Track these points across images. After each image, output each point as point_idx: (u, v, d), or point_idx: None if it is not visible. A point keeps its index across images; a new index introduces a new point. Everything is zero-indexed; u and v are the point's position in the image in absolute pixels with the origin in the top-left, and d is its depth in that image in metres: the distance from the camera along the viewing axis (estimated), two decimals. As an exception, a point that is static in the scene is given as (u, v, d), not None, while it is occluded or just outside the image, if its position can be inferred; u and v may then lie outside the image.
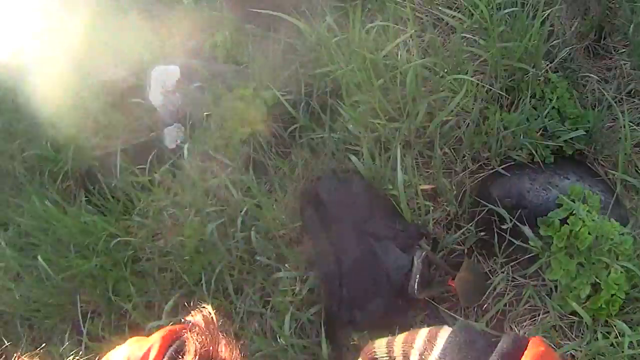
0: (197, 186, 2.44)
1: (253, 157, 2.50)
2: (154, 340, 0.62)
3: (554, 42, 2.83)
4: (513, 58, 2.36)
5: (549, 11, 2.58)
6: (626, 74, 2.87)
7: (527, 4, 2.51)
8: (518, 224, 2.13)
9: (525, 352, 0.67)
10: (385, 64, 2.26)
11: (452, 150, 2.32)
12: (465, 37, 2.39)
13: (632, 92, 2.79)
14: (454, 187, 2.29)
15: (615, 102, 2.54)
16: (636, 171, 2.35)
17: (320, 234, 2.13)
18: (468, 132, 2.26)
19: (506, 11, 2.43)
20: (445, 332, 0.82)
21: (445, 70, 2.28)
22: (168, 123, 2.77)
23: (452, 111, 2.21)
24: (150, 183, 2.53)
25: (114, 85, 3.18)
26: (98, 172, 2.65)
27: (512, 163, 2.32)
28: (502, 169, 2.30)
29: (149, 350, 0.60)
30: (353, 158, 2.25)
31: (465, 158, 2.32)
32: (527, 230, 2.11)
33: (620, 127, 2.32)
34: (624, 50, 2.99)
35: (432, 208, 2.26)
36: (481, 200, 2.22)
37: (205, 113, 2.60)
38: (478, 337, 0.76)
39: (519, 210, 2.16)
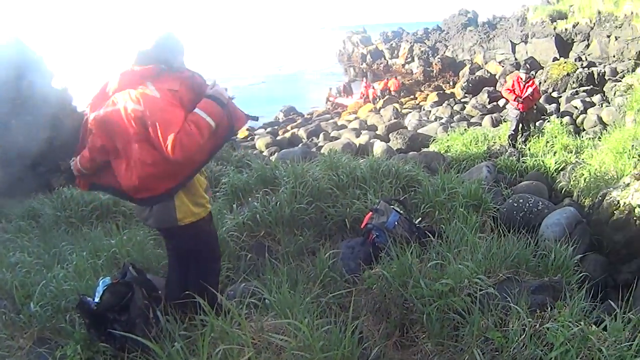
0: None
1: None
2: None
3: (366, 344, 3.61)
4: (334, 364, 3.04)
5: (357, 322, 3.38)
6: (429, 351, 3.66)
7: (338, 321, 3.29)
8: None
9: None
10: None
11: None
12: (293, 353, 3.05)
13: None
14: None
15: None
16: None
17: None
18: None
19: (323, 329, 3.21)
20: None
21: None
22: None
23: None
24: None
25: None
26: None
27: None
28: None
29: None
30: None
31: None
32: None
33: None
34: (424, 335, 3.81)
35: None
36: None
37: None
38: None
39: None
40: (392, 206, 5.21)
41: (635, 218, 6.02)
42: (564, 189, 8.82)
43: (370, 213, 5.21)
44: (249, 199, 6.72)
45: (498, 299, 3.74)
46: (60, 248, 6.50)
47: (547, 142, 11.54)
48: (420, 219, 5.72)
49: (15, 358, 3.88)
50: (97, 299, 3.82)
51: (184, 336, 3.43)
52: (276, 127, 27.89)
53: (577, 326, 3.27)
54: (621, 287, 5.55)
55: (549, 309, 3.67)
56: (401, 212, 5.20)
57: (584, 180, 8.17)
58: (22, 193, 11.67)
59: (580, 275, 4.60)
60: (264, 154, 18.78)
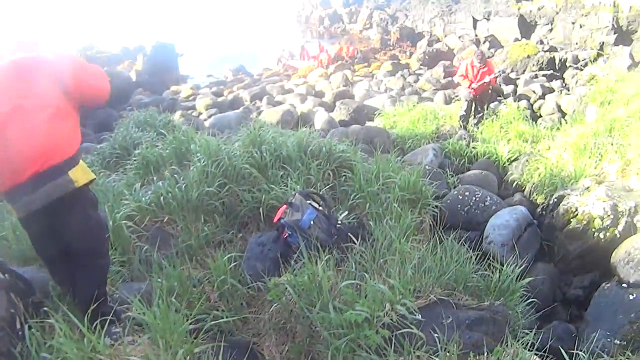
0: None
1: None
2: None
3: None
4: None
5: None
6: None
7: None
8: None
9: None
10: None
11: None
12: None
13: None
14: None
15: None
16: None
17: None
18: None
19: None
20: None
21: None
22: None
23: None
24: None
25: None
26: None
27: None
28: None
29: None
30: None
31: None
32: None
33: None
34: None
35: None
36: None
37: None
38: None
39: None
40: (308, 201, 4.43)
41: (593, 229, 5.45)
42: (515, 182, 8.20)
43: (285, 206, 4.44)
44: (164, 175, 5.88)
45: (421, 335, 3.03)
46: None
47: (502, 127, 10.91)
48: (346, 212, 4.96)
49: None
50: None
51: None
52: (222, 87, 26.66)
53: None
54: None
55: (485, 354, 3.00)
56: (320, 207, 4.46)
57: (539, 175, 7.56)
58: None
59: (529, 301, 4.00)
60: (203, 116, 17.63)
